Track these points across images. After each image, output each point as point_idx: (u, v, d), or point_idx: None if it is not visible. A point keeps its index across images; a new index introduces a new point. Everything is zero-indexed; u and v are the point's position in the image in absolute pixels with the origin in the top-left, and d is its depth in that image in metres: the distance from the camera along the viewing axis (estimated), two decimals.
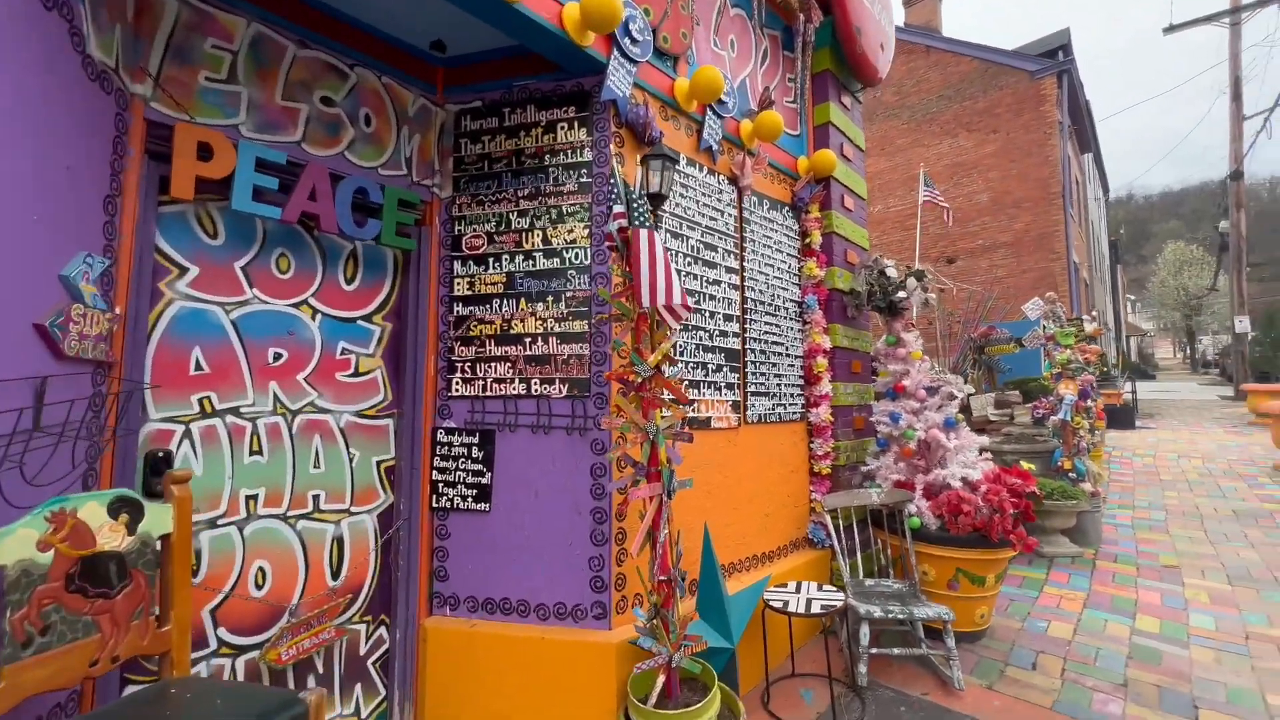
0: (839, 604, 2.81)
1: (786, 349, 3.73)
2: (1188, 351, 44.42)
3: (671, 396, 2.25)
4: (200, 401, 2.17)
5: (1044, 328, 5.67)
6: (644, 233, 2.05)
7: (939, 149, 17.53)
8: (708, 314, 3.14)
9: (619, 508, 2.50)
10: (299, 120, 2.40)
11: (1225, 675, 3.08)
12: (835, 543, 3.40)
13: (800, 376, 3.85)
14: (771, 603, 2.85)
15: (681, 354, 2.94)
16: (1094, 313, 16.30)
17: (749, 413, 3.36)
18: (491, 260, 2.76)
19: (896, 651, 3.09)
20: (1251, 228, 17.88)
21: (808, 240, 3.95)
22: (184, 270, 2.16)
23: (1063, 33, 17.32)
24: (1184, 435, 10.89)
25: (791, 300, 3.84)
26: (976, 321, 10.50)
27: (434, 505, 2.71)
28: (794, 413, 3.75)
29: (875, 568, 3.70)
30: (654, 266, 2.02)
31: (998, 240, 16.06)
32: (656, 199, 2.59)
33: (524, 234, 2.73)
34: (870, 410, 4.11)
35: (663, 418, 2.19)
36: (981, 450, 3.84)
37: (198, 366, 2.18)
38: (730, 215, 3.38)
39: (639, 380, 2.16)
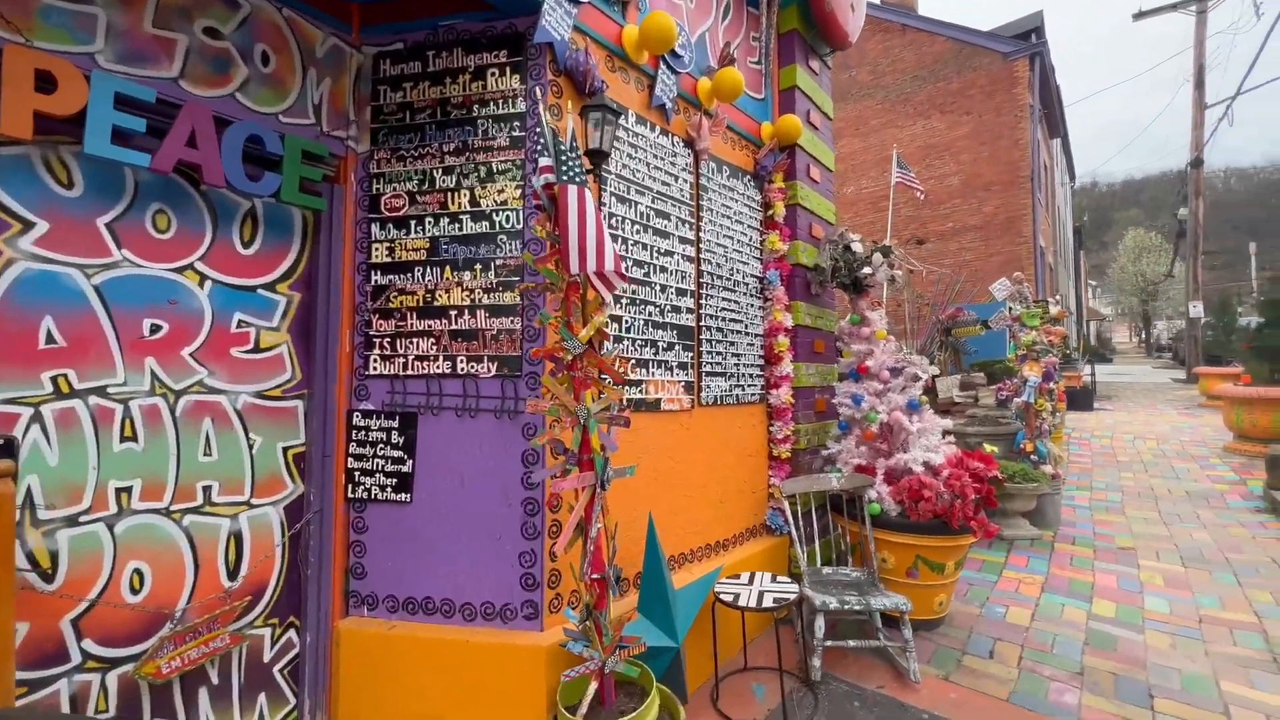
0: (792, 597, 2.65)
1: (746, 327, 3.53)
2: (1143, 336, 45.97)
3: (609, 377, 2.02)
4: (54, 380, 1.86)
5: (1010, 309, 5.59)
6: (573, 189, 1.80)
7: (912, 130, 17.45)
8: (658, 287, 2.90)
9: (552, 498, 2.27)
10: (175, 53, 2.06)
11: (1180, 661, 3.03)
12: (793, 530, 3.24)
13: (760, 356, 3.66)
14: (722, 596, 2.67)
15: (628, 330, 2.70)
16: (1058, 296, 16.55)
17: (704, 394, 3.15)
18: (414, 223, 2.46)
19: (852, 644, 2.96)
20: (1207, 216, 18.30)
21: (770, 212, 3.72)
22: (27, 225, 1.83)
23: (1036, 15, 17.27)
24: (1139, 417, 11.14)
25: (752, 275, 3.62)
26: (945, 304, 10.50)
27: (350, 496, 2.44)
28: (753, 394, 3.56)
29: (834, 555, 3.57)
30: (584, 228, 1.77)
31: (967, 223, 16.12)
32: (597, 156, 2.32)
33: (450, 194, 2.44)
34: (833, 392, 3.95)
35: (596, 400, 1.96)
36: (945, 433, 3.71)
37: (49, 339, 1.86)
38: (686, 181, 3.13)
39: (569, 358, 1.91)
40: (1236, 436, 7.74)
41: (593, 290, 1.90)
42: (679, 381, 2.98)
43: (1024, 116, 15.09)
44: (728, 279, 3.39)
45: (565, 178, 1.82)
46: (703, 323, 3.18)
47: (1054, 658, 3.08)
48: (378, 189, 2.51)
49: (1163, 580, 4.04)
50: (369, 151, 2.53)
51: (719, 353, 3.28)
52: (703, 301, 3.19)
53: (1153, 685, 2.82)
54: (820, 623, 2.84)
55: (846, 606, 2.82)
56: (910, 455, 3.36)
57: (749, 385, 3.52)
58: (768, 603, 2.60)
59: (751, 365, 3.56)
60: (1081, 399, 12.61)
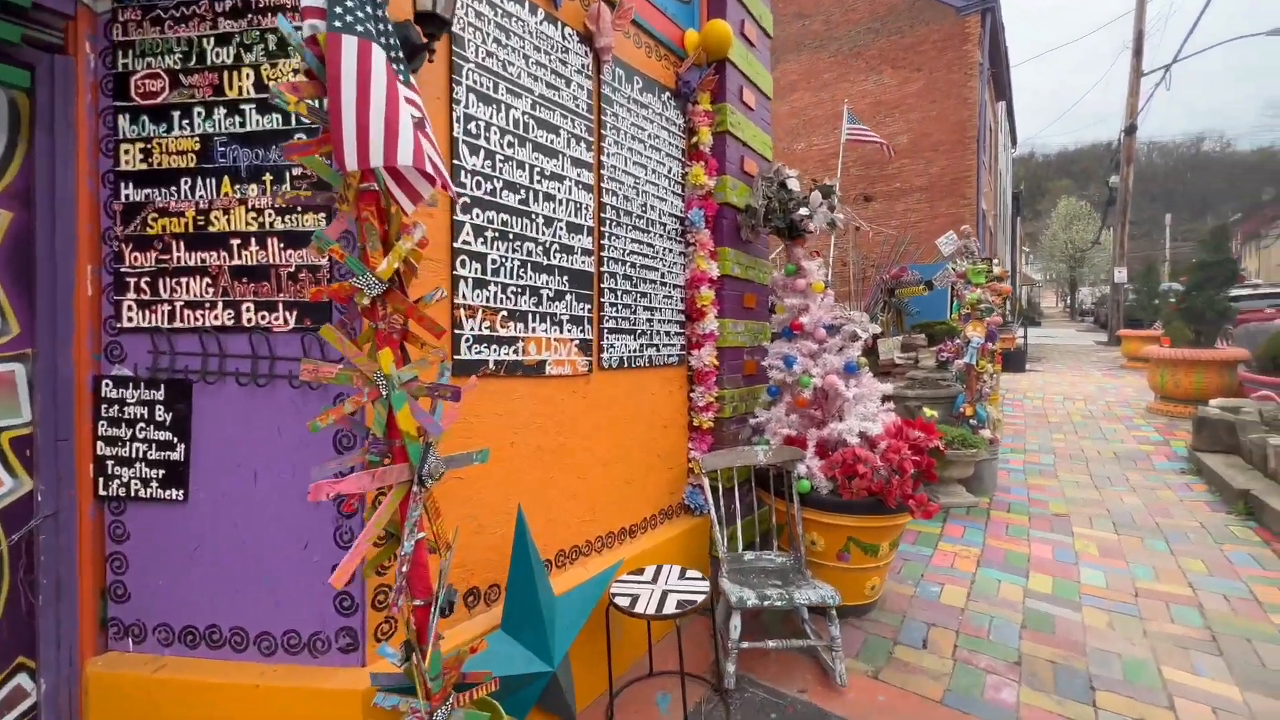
0: (700, 599, 2.20)
1: (662, 276, 2.98)
2: (1068, 301, 48.45)
3: (423, 332, 1.43)
4: None
5: (953, 267, 5.27)
6: (349, 43, 1.17)
7: (864, 85, 17.02)
8: (541, 220, 2.30)
9: (378, 494, 1.70)
10: None
11: (1119, 644, 2.80)
12: (713, 510, 2.80)
13: (680, 311, 3.13)
14: (617, 599, 2.20)
15: (496, 272, 2.10)
16: (997, 259, 16.89)
17: (606, 355, 2.61)
18: (178, 115, 1.76)
19: (773, 645, 2.56)
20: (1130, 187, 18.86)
21: (695, 140, 3.14)
22: None
23: None
24: (1067, 378, 11.41)
25: (671, 215, 3.05)
26: (890, 265, 10.29)
27: (102, 493, 1.79)
28: (670, 355, 3.05)
29: (759, 536, 3.17)
30: (365, 102, 1.16)
31: (913, 184, 15.98)
32: (432, 24, 1.67)
33: (227, 74, 1.73)
34: (765, 353, 3.48)
35: (411, 365, 1.37)
36: (885, 399, 3.32)
37: None
38: (582, 88, 2.49)
39: (365, 300, 1.32)
40: (1159, 397, 7.88)
41: (393, 201, 1.29)
42: (571, 340, 2.42)
43: (973, 74, 14.85)
44: (639, 216, 2.81)
45: (340, 25, 1.19)
46: (605, 268, 2.61)
47: (991, 645, 2.79)
48: (125, 65, 1.77)
49: (1097, 549, 3.87)
50: (111, 11, 1.78)
51: (627, 305, 2.73)
52: (605, 242, 2.61)
53: (1094, 676, 2.56)
54: (736, 624, 2.43)
55: (766, 603, 2.41)
56: (845, 425, 2.95)
57: (665, 345, 3.00)
58: (670, 607, 2.14)
59: (669, 321, 3.03)
60: (1015, 360, 12.85)
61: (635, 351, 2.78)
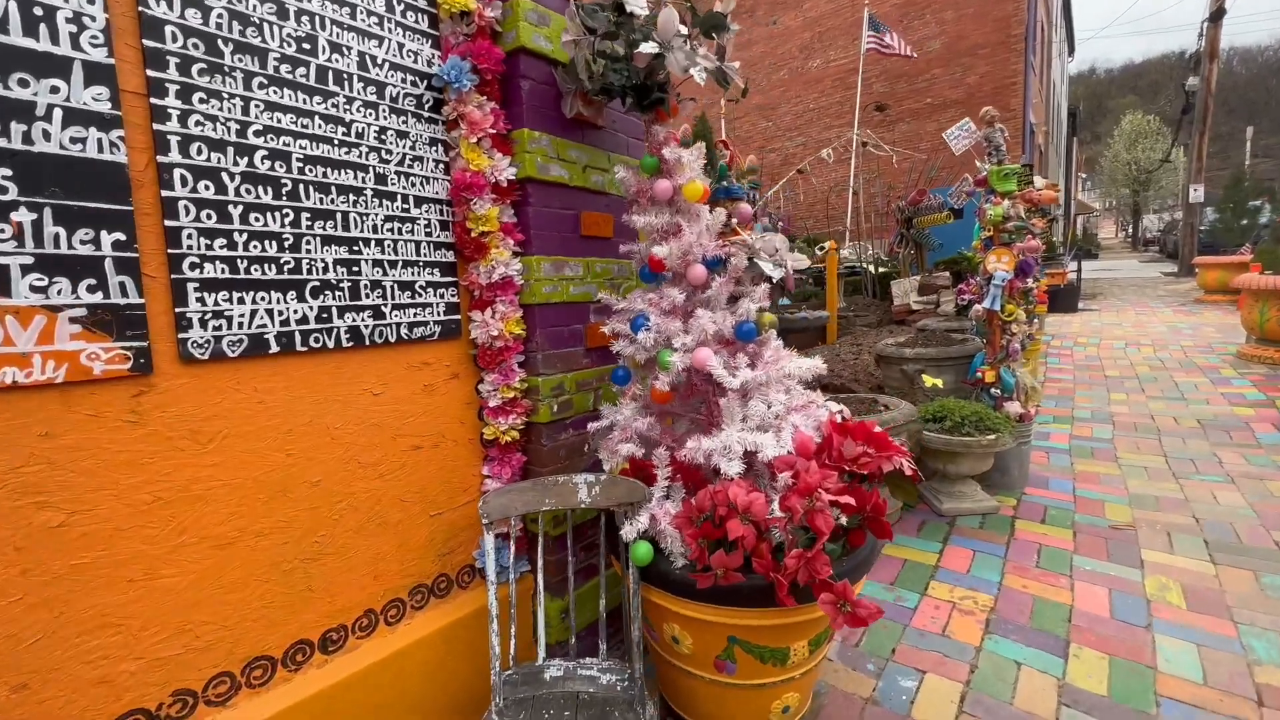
0: None
1: (382, 180, 1.64)
2: (1129, 230, 44.21)
3: None
4: None
5: (975, 173, 3.70)
6: None
7: None
8: None
9: None
10: None
11: None
12: (493, 582, 1.56)
13: (442, 244, 1.80)
14: None
15: None
16: (1057, 185, 14.49)
17: (204, 333, 1.33)
18: None
19: None
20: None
21: None
22: None
23: None
24: (1129, 317, 9.56)
25: (400, 69, 1.69)
26: (908, 190, 8.55)
27: None
28: (424, 323, 1.75)
29: (604, 614, 1.91)
30: None
31: (947, 97, 13.79)
32: None
33: None
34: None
35: None
36: (823, 387, 1.97)
37: None
38: None
39: None
40: (1255, 339, 6.14)
41: None
42: (57, 309, 1.14)
43: None
44: (295, 63, 1.46)
45: None
46: (179, 158, 1.29)
47: None
48: None
49: (1182, 594, 2.48)
50: None
51: (274, 235, 1.43)
52: (173, 106, 1.28)
53: None
54: None
55: None
56: (718, 440, 1.61)
57: (407, 305, 1.70)
58: None
59: (411, 263, 1.72)
60: (1065, 299, 10.97)
61: (307, 319, 1.49)
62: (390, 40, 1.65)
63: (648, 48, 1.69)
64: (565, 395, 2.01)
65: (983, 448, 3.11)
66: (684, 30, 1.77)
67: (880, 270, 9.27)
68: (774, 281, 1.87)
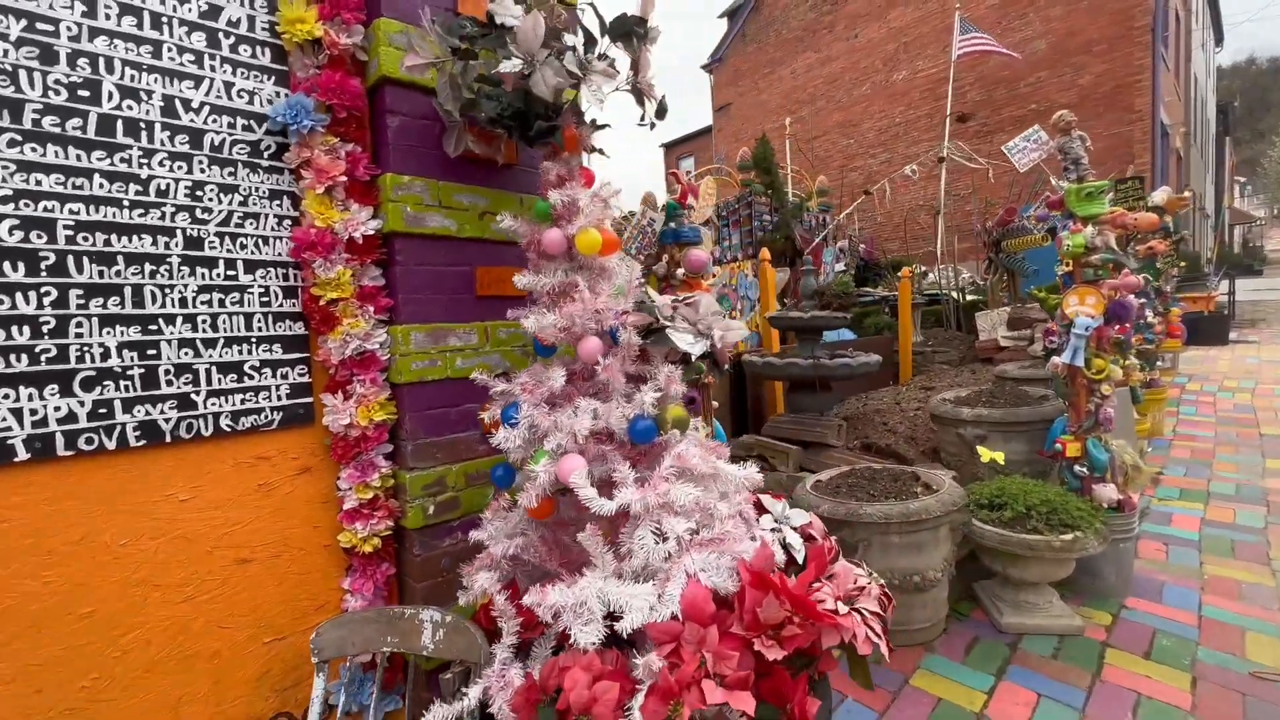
0: None
1: (194, 240, 1.38)
2: None
3: None
4: None
5: (1050, 192, 2.95)
6: None
7: None
8: None
9: None
10: None
11: None
12: None
13: (288, 313, 1.51)
14: None
15: None
16: (1189, 191, 12.34)
17: None
18: None
19: None
20: None
21: None
22: None
23: None
24: None
25: (227, 111, 1.43)
26: (994, 209, 7.51)
27: None
28: (256, 412, 1.45)
29: None
30: None
31: (1056, 102, 12.31)
32: None
33: None
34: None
35: None
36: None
37: None
38: None
39: None
40: None
41: None
42: None
43: None
44: (60, 113, 1.23)
45: None
46: None
47: None
48: None
49: None
50: None
51: (16, 319, 1.19)
52: None
53: None
54: None
55: None
56: (570, 594, 1.15)
57: (227, 391, 1.42)
58: None
59: (240, 340, 1.43)
60: (1211, 329, 9.18)
61: (88, 418, 1.23)
62: (214, 80, 1.39)
63: (508, 65, 1.31)
64: (448, 492, 1.64)
65: (1054, 551, 2.36)
66: (572, 41, 1.39)
67: (969, 299, 8.19)
68: (693, 359, 1.41)
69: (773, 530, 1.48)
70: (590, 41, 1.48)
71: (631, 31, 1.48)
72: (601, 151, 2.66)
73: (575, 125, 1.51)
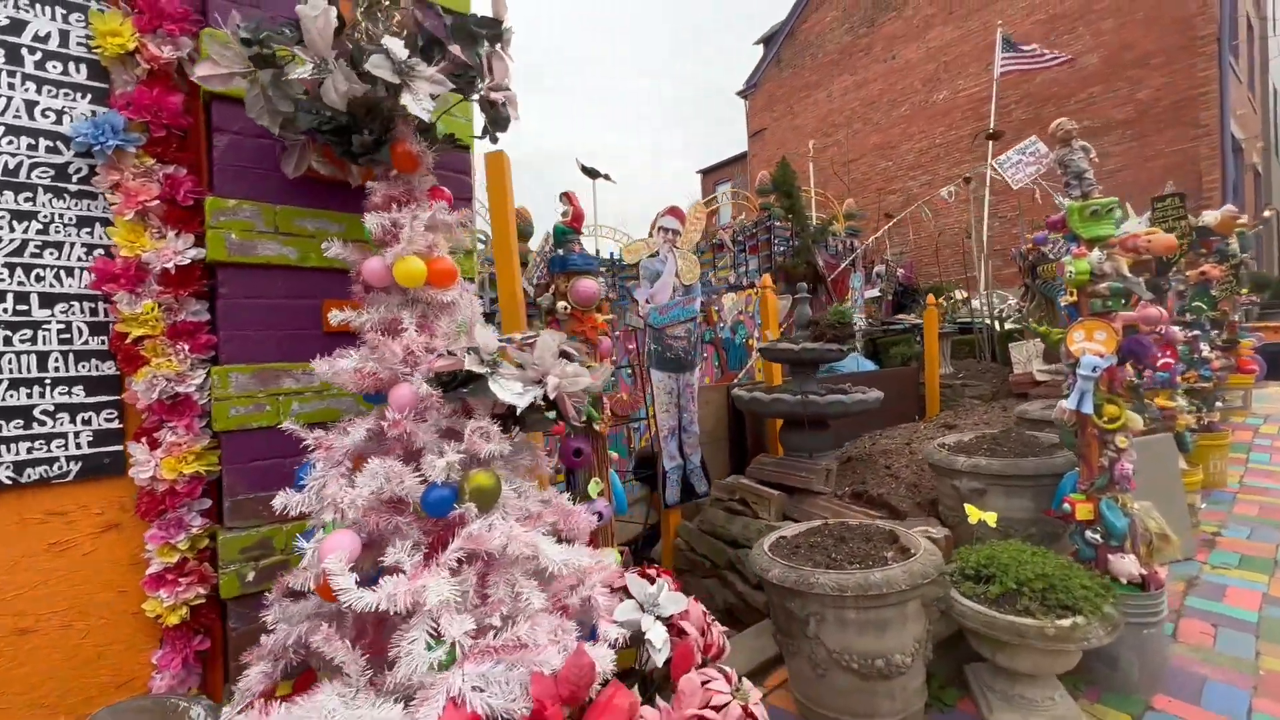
0: None
1: None
2: None
3: None
4: None
5: (1054, 215, 2.56)
6: None
7: (1030, 0, 13.05)
8: None
9: None
10: None
11: None
12: None
13: (94, 351, 1.36)
14: None
15: None
16: (1270, 209, 11.03)
17: None
18: None
19: None
20: None
21: None
22: None
23: None
24: None
25: (26, 132, 1.31)
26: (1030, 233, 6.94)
27: None
28: (49, 462, 1.30)
29: None
30: None
31: (1111, 118, 11.64)
32: None
33: None
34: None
35: None
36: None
37: None
38: None
39: None
40: None
41: None
42: None
43: None
44: None
45: None
46: None
47: None
48: None
49: None
50: None
51: None
52: None
53: None
54: None
55: None
56: (296, 717, 0.92)
57: (11, 439, 1.27)
58: None
59: (30, 382, 1.29)
60: None
61: None
62: (11, 99, 1.28)
63: (300, 72, 1.14)
64: (275, 556, 1.44)
65: (1047, 640, 1.94)
66: (394, 49, 1.20)
67: (1007, 328, 7.58)
68: (518, 411, 1.17)
69: (626, 623, 1.21)
70: (434, 44, 1.30)
71: (473, 33, 1.29)
72: (608, 177, 2.48)
73: (413, 139, 1.32)
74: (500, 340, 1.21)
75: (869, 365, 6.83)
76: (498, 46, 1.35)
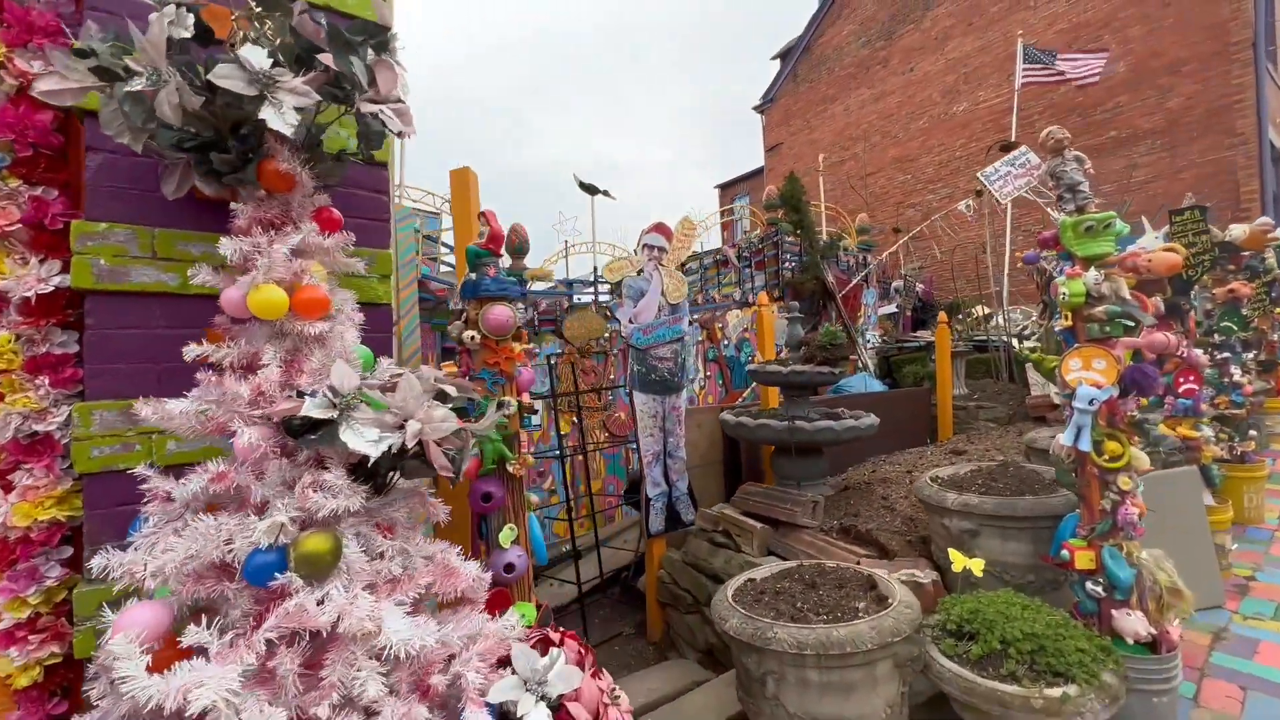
0: None
1: None
2: None
3: None
4: None
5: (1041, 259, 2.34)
6: None
7: (1050, 8, 12.78)
8: None
9: None
10: None
11: None
12: None
13: None
14: None
15: None
16: None
17: None
18: None
19: None
20: None
21: None
22: None
23: None
24: None
25: None
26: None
27: None
28: None
29: None
30: None
31: (1139, 128, 11.24)
32: None
33: None
34: None
35: None
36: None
37: None
38: None
39: None
40: None
41: None
42: None
43: None
44: None
45: None
46: None
47: None
48: None
49: None
50: None
51: None
52: None
53: None
54: None
55: None
56: None
57: None
58: None
59: None
60: None
61: None
62: None
63: (135, 84, 1.03)
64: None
65: (1033, 713, 1.70)
66: (251, 58, 1.09)
67: (1026, 346, 7.23)
68: (371, 461, 1.02)
69: (503, 704, 1.04)
70: (312, 52, 1.18)
71: (348, 41, 1.17)
72: (606, 193, 2.35)
73: (286, 156, 1.20)
74: (363, 379, 1.08)
75: (877, 385, 6.55)
76: (384, 55, 1.23)
